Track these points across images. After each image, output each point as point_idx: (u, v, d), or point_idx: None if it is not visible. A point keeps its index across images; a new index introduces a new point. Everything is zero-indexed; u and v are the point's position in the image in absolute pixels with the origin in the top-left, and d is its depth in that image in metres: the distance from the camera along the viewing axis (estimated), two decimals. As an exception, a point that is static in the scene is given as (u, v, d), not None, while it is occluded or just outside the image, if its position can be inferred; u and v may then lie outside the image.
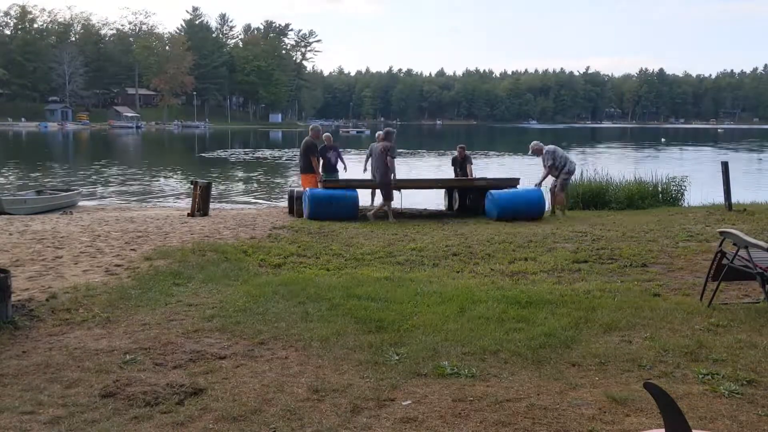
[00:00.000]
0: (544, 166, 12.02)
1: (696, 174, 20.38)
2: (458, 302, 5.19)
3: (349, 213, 11.21)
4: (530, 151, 12.25)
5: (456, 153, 14.51)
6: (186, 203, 15.55)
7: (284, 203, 14.72)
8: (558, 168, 11.94)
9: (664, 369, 3.85)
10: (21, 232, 9.41)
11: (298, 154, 13.12)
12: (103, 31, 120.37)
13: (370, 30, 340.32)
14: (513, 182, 12.71)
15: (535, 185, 12.12)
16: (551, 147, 12.14)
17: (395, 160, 11.89)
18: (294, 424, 3.09)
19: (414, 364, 3.89)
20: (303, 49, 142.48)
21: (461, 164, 14.30)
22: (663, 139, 71.60)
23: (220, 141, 62.40)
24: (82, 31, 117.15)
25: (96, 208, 15.67)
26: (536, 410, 3.25)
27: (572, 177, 12.58)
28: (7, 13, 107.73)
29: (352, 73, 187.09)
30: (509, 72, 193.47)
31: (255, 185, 23.87)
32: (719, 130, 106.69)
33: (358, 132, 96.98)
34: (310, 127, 13.42)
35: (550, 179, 12.45)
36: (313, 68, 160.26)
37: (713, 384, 3.57)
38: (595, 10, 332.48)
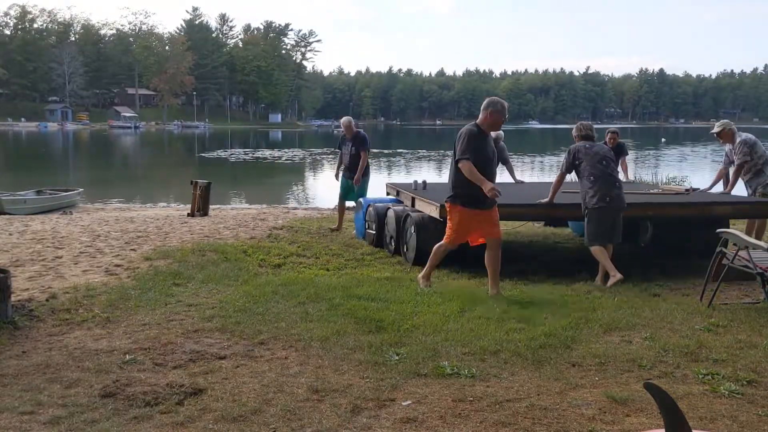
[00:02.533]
0: (735, 162, 7.60)
1: (697, 174, 20.39)
2: (458, 302, 5.19)
3: None
4: (716, 132, 7.79)
5: (606, 140, 9.38)
6: (186, 203, 15.55)
7: (283, 203, 14.50)
8: (753, 170, 7.51)
9: (664, 369, 3.85)
10: (21, 232, 9.41)
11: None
12: (102, 31, 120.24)
13: (370, 30, 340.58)
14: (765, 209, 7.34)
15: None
16: (751, 137, 7.63)
17: None
18: (294, 425, 3.09)
19: (414, 364, 3.89)
20: (303, 49, 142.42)
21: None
22: (663, 139, 71.53)
23: (220, 141, 62.32)
24: (81, 31, 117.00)
25: (96, 208, 15.68)
26: (536, 410, 3.25)
27: None
28: (7, 13, 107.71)
29: (352, 73, 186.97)
30: (509, 72, 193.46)
31: (255, 185, 23.85)
32: None
33: None
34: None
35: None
36: (313, 68, 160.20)
37: (713, 384, 3.57)
38: (595, 11, 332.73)
